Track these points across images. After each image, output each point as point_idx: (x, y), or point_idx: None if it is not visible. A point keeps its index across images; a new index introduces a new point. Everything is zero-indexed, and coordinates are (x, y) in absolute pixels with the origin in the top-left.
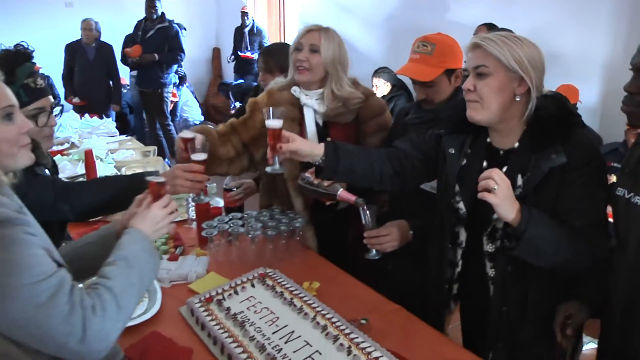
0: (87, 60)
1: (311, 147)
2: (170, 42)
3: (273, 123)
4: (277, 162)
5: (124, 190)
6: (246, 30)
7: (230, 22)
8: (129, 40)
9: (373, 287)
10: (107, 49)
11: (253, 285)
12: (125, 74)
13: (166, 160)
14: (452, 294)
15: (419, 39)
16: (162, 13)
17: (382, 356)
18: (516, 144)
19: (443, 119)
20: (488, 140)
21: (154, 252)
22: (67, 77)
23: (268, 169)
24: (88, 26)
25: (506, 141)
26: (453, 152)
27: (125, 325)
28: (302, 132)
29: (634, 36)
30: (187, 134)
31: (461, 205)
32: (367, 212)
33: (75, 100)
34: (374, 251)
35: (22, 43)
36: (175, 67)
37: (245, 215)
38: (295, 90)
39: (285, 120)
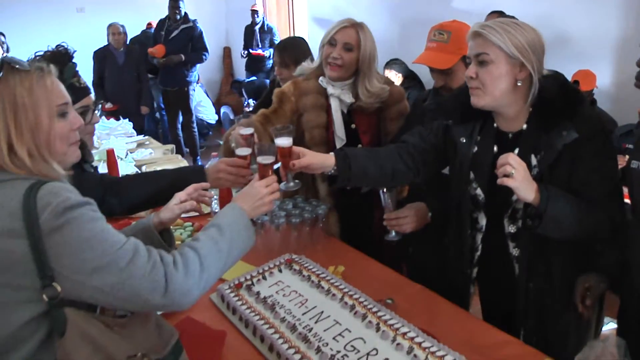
0: (117, 65)
1: (322, 160)
2: (195, 42)
3: (282, 142)
4: (290, 179)
5: (169, 185)
6: (257, 28)
7: (239, 20)
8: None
9: (396, 270)
10: (136, 51)
11: (280, 271)
12: None
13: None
14: (471, 278)
15: (434, 27)
16: (185, 13)
17: (409, 331)
18: (524, 126)
19: (450, 109)
20: (495, 125)
21: (250, 226)
22: (97, 84)
23: (282, 186)
24: (116, 30)
25: (513, 124)
26: (464, 140)
27: (208, 287)
28: (329, 119)
29: None
30: (245, 130)
31: (479, 191)
32: (387, 194)
33: (108, 105)
34: (393, 232)
35: (62, 44)
36: (197, 65)
37: None
38: (322, 81)
39: (313, 108)
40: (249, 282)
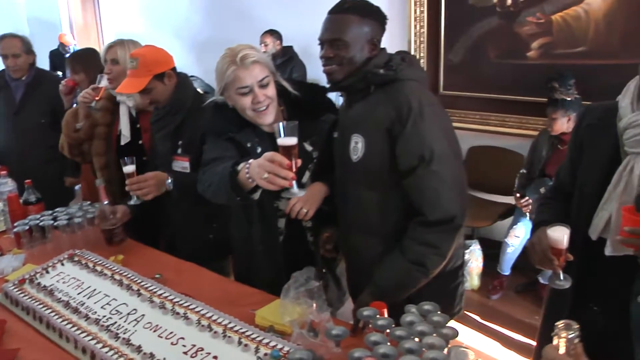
0: None
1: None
2: None
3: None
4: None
5: None
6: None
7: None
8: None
9: None
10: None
11: (63, 264)
12: None
13: None
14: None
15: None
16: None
17: (164, 292)
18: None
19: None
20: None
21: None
22: None
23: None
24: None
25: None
26: (250, 145)
27: None
28: (115, 120)
29: None
30: None
31: None
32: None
33: None
34: (135, 197)
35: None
36: None
37: (57, 211)
38: (111, 90)
39: (101, 110)
40: (32, 277)
